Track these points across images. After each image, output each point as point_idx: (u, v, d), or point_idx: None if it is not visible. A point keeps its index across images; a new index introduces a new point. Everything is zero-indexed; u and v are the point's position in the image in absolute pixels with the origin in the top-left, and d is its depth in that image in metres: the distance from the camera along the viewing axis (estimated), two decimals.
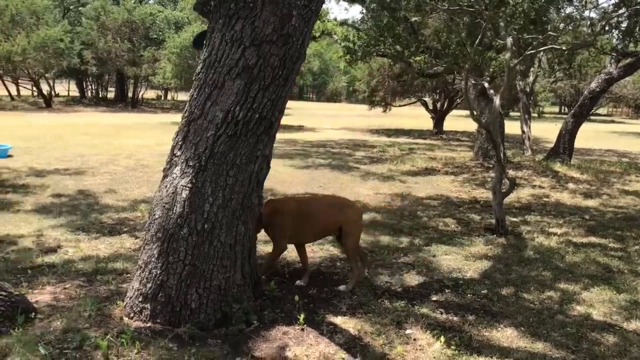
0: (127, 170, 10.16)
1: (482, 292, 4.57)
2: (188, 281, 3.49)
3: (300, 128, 24.26)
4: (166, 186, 3.52)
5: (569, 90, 44.19)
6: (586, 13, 11.90)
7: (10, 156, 11.29)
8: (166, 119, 26.62)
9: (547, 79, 30.09)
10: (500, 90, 7.36)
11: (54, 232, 5.89)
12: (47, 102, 34.32)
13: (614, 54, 12.94)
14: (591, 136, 23.31)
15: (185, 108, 3.58)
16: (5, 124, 16.74)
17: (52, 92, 38.48)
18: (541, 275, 5.09)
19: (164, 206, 3.49)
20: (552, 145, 14.16)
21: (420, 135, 23.26)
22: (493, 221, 6.75)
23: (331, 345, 3.44)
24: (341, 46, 12.88)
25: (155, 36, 37.49)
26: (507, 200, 7.20)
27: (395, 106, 30.06)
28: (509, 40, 7.04)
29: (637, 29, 11.88)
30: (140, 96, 41.77)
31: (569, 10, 11.87)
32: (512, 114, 31.53)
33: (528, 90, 16.52)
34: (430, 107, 26.24)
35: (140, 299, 3.57)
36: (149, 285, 3.54)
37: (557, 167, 12.11)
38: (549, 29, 7.99)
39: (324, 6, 3.97)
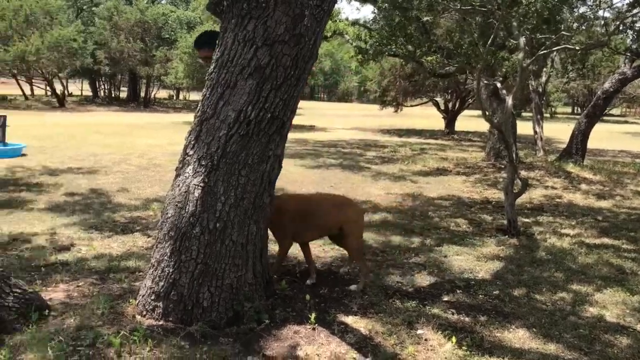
0: (140, 170, 10.23)
1: (494, 292, 4.55)
2: (200, 280, 3.51)
3: (311, 128, 24.28)
4: (179, 185, 3.54)
5: (581, 91, 43.89)
6: (600, 13, 11.77)
7: (24, 155, 11.41)
8: (178, 118, 26.77)
9: (560, 79, 29.90)
10: (512, 90, 7.33)
11: (67, 230, 5.94)
12: (61, 102, 34.59)
13: (628, 54, 12.81)
14: (604, 137, 23.14)
15: (198, 107, 3.59)
16: (19, 123, 16.88)
17: (66, 92, 38.81)
18: (553, 277, 5.06)
19: (177, 205, 3.51)
20: (564, 145, 14.07)
21: (432, 135, 23.20)
22: (505, 222, 6.72)
23: (342, 345, 3.44)
24: (353, 46, 12.87)
25: (167, 36, 37.70)
26: (519, 200, 7.17)
27: (407, 106, 30.01)
28: (522, 40, 7.00)
29: None
30: (152, 96, 42.00)
31: (582, 9, 11.78)
32: (524, 114, 31.37)
33: (540, 90, 16.43)
34: (442, 107, 26.15)
35: (152, 297, 3.60)
36: (161, 283, 3.56)
37: (570, 167, 12.03)
38: (562, 28, 7.93)
39: (335, 6, 3.97)
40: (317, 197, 5.36)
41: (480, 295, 4.48)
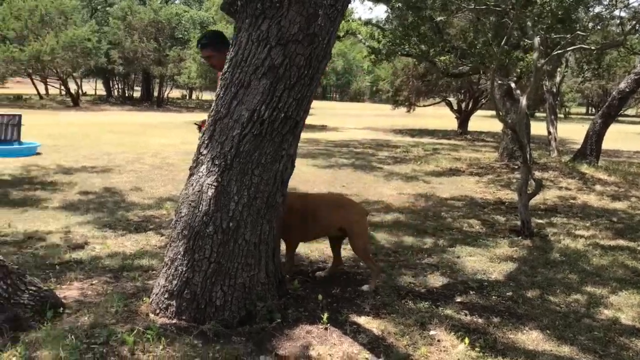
0: (153, 169, 10.29)
1: (507, 294, 4.52)
2: (213, 279, 3.52)
3: (323, 128, 24.29)
4: (192, 184, 3.56)
5: (596, 91, 43.54)
6: (616, 12, 11.66)
7: (39, 154, 11.52)
8: (191, 118, 26.86)
9: (574, 79, 29.65)
10: (527, 90, 7.28)
11: (81, 228, 5.99)
12: (75, 101, 34.92)
13: None
14: (619, 137, 22.92)
15: (212, 107, 3.60)
16: (34, 122, 17.05)
17: (80, 91, 39.15)
18: (567, 278, 5.02)
19: (190, 204, 3.53)
20: (578, 146, 13.96)
21: (445, 135, 23.11)
22: (518, 223, 6.68)
23: (355, 345, 3.43)
24: (365, 46, 12.86)
25: (180, 36, 37.90)
26: (532, 201, 7.11)
27: (419, 106, 29.93)
28: (537, 39, 6.95)
29: None
30: (165, 95, 42.24)
31: (597, 9, 11.69)
32: (537, 114, 31.15)
33: (555, 90, 16.30)
34: (455, 107, 26.05)
35: (166, 296, 3.61)
36: (174, 282, 3.58)
37: (584, 168, 11.93)
38: (577, 28, 7.86)
39: (348, 6, 3.97)
40: (316, 197, 5.35)
41: (494, 297, 4.46)
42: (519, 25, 8.60)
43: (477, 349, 3.44)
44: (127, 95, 43.37)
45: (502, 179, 10.81)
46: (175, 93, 50.01)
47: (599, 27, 11.57)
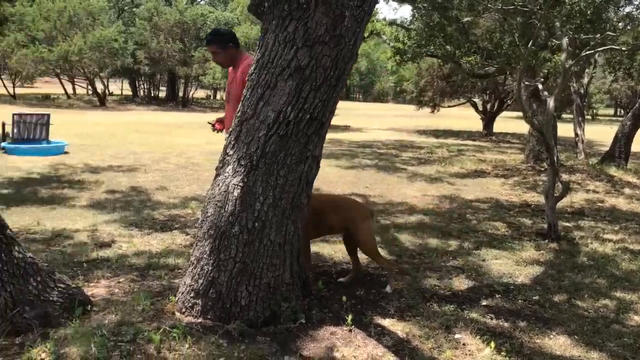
0: (178, 168, 10.39)
1: (534, 298, 4.46)
2: (238, 278, 3.54)
3: (346, 128, 24.25)
4: (218, 184, 3.58)
5: (625, 92, 42.75)
6: None
7: (66, 153, 11.71)
8: (215, 118, 27.04)
9: (603, 80, 29.16)
10: (554, 92, 7.18)
11: (108, 227, 6.07)
12: (101, 101, 35.42)
13: None
14: None
15: (238, 108, 3.62)
16: (62, 122, 17.32)
17: (106, 91, 39.73)
18: (595, 283, 4.93)
19: (217, 204, 3.55)
20: (606, 148, 13.73)
21: (469, 136, 22.91)
22: (545, 226, 6.59)
23: (379, 348, 3.42)
24: (390, 47, 12.81)
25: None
26: (559, 204, 7.01)
27: (444, 107, 29.72)
28: (565, 40, 6.85)
29: None
30: (190, 95, 42.59)
31: (628, 9, 11.48)
32: (564, 116, 30.71)
33: (582, 91, 16.06)
34: (480, 108, 25.81)
35: (192, 295, 3.64)
36: (200, 281, 3.60)
37: (613, 171, 11.73)
38: (607, 28, 7.73)
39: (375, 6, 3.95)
40: (321, 197, 5.37)
41: (520, 301, 4.40)
42: (546, 26, 8.49)
43: (503, 353, 3.40)
44: (152, 95, 43.86)
45: (528, 181, 10.68)
46: (200, 93, 50.44)
47: (629, 27, 11.35)
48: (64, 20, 31.31)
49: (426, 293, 4.41)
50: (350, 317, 3.67)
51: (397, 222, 6.86)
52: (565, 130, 18.12)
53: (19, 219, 6.14)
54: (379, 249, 4.84)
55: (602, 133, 22.96)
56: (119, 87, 50.00)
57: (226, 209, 3.50)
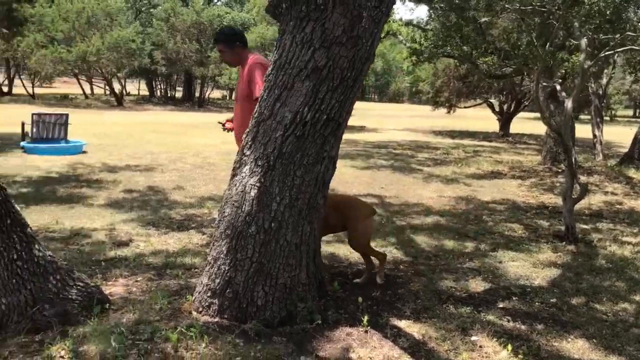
0: (194, 168, 10.45)
1: (551, 300, 4.43)
2: (255, 278, 3.56)
3: (362, 128, 24.23)
4: (235, 185, 3.60)
5: None
6: None
7: (84, 152, 11.84)
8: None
9: (622, 81, 28.81)
10: (572, 92, 7.11)
11: (126, 226, 6.12)
12: (119, 101, 35.73)
13: None
14: None
15: (255, 109, 3.64)
16: (80, 122, 17.51)
17: (124, 91, 40.09)
18: (614, 286, 4.88)
19: (234, 204, 3.57)
20: (625, 150, 13.58)
21: (486, 137, 22.76)
22: (562, 228, 6.53)
23: (395, 349, 3.42)
24: (406, 47, 12.78)
25: None
26: (577, 206, 6.94)
27: (460, 107, 29.57)
28: (584, 40, 6.78)
29: None
30: (206, 96, 42.79)
31: None
32: (582, 117, 30.40)
33: (601, 92, 15.89)
34: (497, 108, 25.64)
35: (208, 294, 3.67)
36: (217, 281, 3.62)
37: (632, 173, 11.59)
38: (627, 28, 7.64)
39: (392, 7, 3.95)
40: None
41: (537, 303, 4.37)
42: (564, 26, 8.42)
43: (520, 356, 3.38)
44: (169, 95, 44.14)
45: (545, 183, 10.59)
46: (216, 93, 50.64)
47: None
48: (82, 21, 31.64)
49: (442, 295, 4.39)
50: (366, 318, 3.67)
51: (413, 223, 6.83)
52: (583, 131, 17.93)
53: (38, 217, 6.22)
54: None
55: (620, 134, 22.70)
56: (136, 87, 50.37)
57: (243, 209, 3.52)
